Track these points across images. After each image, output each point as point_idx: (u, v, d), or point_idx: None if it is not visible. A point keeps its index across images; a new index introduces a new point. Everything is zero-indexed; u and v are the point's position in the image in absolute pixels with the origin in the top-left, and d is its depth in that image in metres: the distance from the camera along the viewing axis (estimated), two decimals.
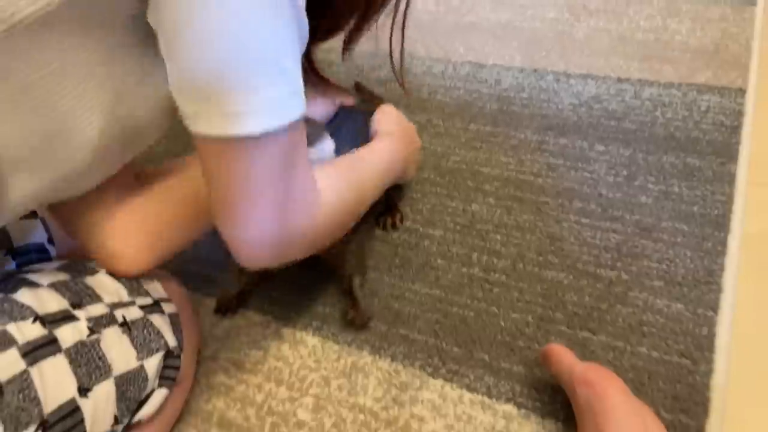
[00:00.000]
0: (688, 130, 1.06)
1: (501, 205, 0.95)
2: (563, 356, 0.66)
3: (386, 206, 0.94)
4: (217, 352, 0.79)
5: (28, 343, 0.51)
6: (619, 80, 1.21)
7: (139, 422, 0.61)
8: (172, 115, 0.54)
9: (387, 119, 0.88)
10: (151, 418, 0.62)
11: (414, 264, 0.88)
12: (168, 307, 0.66)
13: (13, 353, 0.49)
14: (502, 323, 0.78)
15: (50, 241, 0.70)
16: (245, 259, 0.57)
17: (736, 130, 1.04)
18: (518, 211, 0.94)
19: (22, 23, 0.42)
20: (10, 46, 0.42)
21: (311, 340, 0.80)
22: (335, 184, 0.63)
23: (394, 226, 0.94)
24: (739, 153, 1.00)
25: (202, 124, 0.48)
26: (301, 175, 0.55)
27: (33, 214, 0.69)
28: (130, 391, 0.58)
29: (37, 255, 0.68)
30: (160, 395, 0.62)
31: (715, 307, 0.76)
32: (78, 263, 0.62)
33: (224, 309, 0.85)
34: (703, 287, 0.79)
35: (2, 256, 0.65)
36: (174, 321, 0.65)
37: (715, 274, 0.80)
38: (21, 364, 0.49)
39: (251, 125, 0.47)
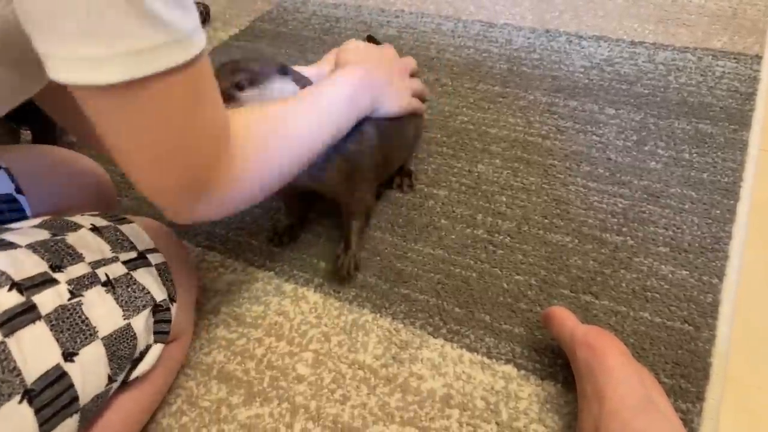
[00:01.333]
0: (701, 96, 1.03)
1: (507, 166, 0.94)
2: (565, 318, 0.66)
3: (399, 168, 0.93)
4: (218, 305, 0.79)
5: (3, 313, 0.49)
6: (633, 43, 1.18)
7: (137, 378, 0.60)
8: None
9: (350, 53, 0.80)
10: (149, 373, 0.62)
11: (417, 224, 0.87)
12: (155, 258, 0.64)
13: None
14: (505, 285, 0.78)
15: (18, 190, 0.67)
16: (169, 214, 0.54)
17: (750, 96, 1.02)
18: (525, 173, 0.93)
19: None
20: None
21: (313, 296, 0.79)
22: (254, 124, 0.58)
23: (411, 187, 0.93)
24: (752, 120, 0.98)
25: (62, 71, 0.43)
26: (208, 117, 0.51)
27: None
28: (121, 350, 0.57)
29: (7, 205, 0.66)
30: (155, 350, 0.61)
31: (720, 275, 0.75)
32: (58, 220, 0.60)
33: (277, 240, 0.86)
34: (709, 254, 0.78)
35: None
36: (162, 271, 0.64)
37: (722, 241, 0.79)
38: None
39: (114, 72, 0.42)
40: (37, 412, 0.49)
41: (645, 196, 0.86)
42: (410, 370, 0.70)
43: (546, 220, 0.85)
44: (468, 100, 1.09)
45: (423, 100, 0.90)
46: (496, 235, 0.84)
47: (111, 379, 0.56)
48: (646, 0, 1.31)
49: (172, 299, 0.64)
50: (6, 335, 0.48)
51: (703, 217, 0.83)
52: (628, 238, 0.81)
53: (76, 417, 0.52)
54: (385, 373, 0.70)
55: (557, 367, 0.69)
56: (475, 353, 0.71)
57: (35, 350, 0.50)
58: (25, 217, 0.66)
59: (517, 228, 0.85)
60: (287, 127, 0.63)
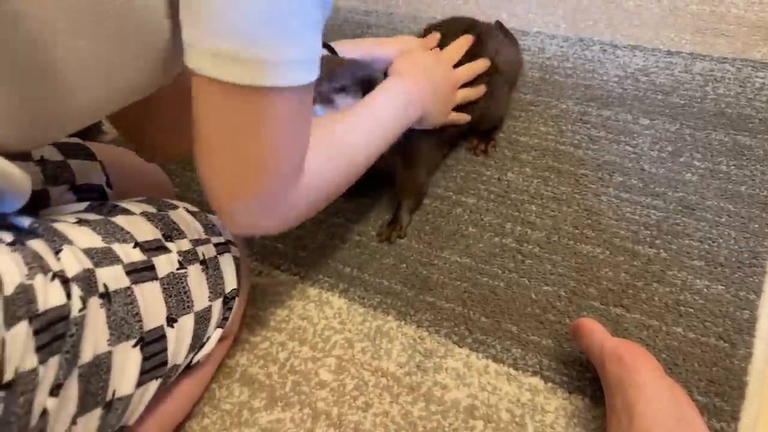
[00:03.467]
0: (740, 107, 1.01)
1: (538, 175, 0.93)
2: (595, 331, 0.64)
3: (483, 134, 0.98)
4: (244, 311, 0.79)
5: (131, 264, 0.52)
6: (669, 53, 1.16)
7: (193, 365, 0.62)
8: None
9: (404, 58, 0.82)
10: (203, 362, 0.64)
11: (444, 231, 0.86)
12: (235, 251, 0.67)
13: (119, 269, 0.51)
14: (533, 295, 0.76)
15: (108, 184, 0.71)
16: (222, 220, 0.55)
17: None
18: (555, 182, 0.91)
19: None
20: None
21: (337, 301, 0.79)
22: (322, 162, 0.58)
23: (485, 152, 0.97)
24: None
25: (207, 62, 0.45)
26: (296, 146, 0.52)
27: (92, 157, 0.70)
28: (200, 329, 0.60)
29: (98, 195, 0.69)
30: (215, 337, 0.63)
31: (758, 291, 0.73)
32: (159, 200, 0.64)
33: (385, 237, 0.86)
34: (746, 269, 0.75)
35: (65, 191, 0.65)
36: (238, 265, 0.66)
37: (760, 256, 0.76)
38: (126, 281, 0.51)
39: (275, 78, 0.45)
40: (144, 360, 0.52)
41: (680, 208, 0.84)
42: (434, 379, 0.69)
43: (576, 231, 0.83)
44: None
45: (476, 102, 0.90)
46: (525, 244, 0.82)
47: (186, 355, 0.59)
48: (683, 10, 1.29)
49: (237, 294, 0.66)
50: (133, 283, 0.52)
51: (741, 230, 0.80)
52: (662, 250, 0.79)
53: (157, 382, 0.55)
54: (408, 382, 0.69)
55: (585, 380, 0.67)
56: (501, 364, 0.69)
57: (151, 305, 0.53)
58: None
59: (547, 238, 0.83)
60: (349, 142, 0.64)
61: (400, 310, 0.77)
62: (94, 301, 0.48)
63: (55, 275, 0.44)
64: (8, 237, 0.45)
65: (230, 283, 0.64)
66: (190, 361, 0.61)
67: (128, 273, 0.52)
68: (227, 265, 0.64)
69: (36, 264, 0.44)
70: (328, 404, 0.68)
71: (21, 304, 0.41)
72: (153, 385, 0.55)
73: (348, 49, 0.85)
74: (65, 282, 0.45)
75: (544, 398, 0.66)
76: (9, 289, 0.41)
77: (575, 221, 0.85)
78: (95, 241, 0.51)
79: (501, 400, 0.66)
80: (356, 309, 0.78)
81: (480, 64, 0.90)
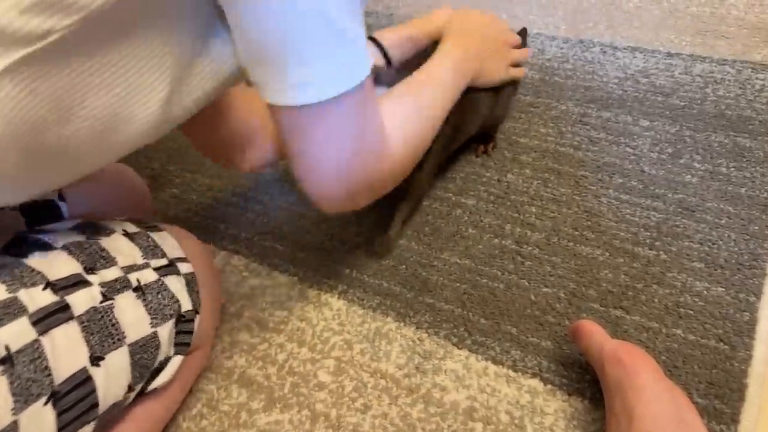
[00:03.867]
0: (740, 109, 1.00)
1: (538, 176, 0.92)
2: (594, 332, 0.64)
3: (483, 136, 0.96)
4: (241, 309, 0.79)
5: (39, 310, 0.48)
6: (669, 55, 1.16)
7: (155, 390, 0.59)
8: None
9: (456, 18, 0.85)
10: (166, 384, 0.61)
11: (444, 233, 0.86)
12: (184, 267, 0.63)
13: (23, 321, 0.47)
14: (533, 297, 0.76)
15: (61, 198, 0.67)
16: (324, 207, 0.60)
17: None
18: (555, 183, 0.91)
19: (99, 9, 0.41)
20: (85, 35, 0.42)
21: (336, 303, 0.79)
22: (401, 120, 0.62)
23: (485, 153, 0.97)
24: None
25: (268, 93, 0.50)
26: (370, 125, 0.56)
27: None
28: (144, 359, 0.56)
29: (48, 212, 0.66)
30: (175, 362, 0.60)
31: (758, 293, 0.73)
32: (93, 224, 0.60)
33: (383, 250, 0.85)
34: (746, 271, 0.75)
35: (14, 214, 0.62)
36: (190, 281, 0.63)
37: (760, 258, 0.76)
38: (32, 333, 0.47)
39: (311, 95, 0.49)
40: (58, 415, 0.48)
41: (679, 210, 0.84)
42: (433, 381, 0.69)
43: (576, 232, 0.83)
44: None
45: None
46: (525, 246, 0.82)
47: (130, 388, 0.55)
48: (683, 11, 1.29)
49: (196, 311, 0.63)
50: (41, 333, 0.48)
51: (741, 232, 0.80)
52: (662, 252, 0.79)
53: (92, 425, 0.51)
54: (407, 383, 0.69)
55: (585, 382, 0.66)
56: (501, 366, 0.69)
57: (66, 351, 0.49)
58: (61, 219, 0.66)
59: (547, 239, 0.83)
60: (421, 102, 0.67)
61: (399, 311, 0.76)
62: None
63: None
64: None
65: (183, 303, 0.61)
66: (144, 389, 0.58)
67: (35, 323, 0.48)
68: (176, 286, 0.61)
69: None
70: (326, 406, 0.67)
71: None
72: (87, 429, 0.51)
73: (389, 37, 0.86)
74: None
75: (544, 400, 0.66)
76: None
77: (575, 223, 0.85)
78: None
79: (500, 401, 0.66)
80: (355, 310, 0.77)
81: (527, 53, 0.94)
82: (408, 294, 0.78)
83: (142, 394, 0.58)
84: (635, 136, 0.97)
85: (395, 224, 0.84)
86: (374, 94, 0.56)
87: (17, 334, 0.46)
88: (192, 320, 0.62)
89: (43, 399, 0.47)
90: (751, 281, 0.74)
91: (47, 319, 0.49)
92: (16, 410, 0.45)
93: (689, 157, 0.92)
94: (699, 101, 1.03)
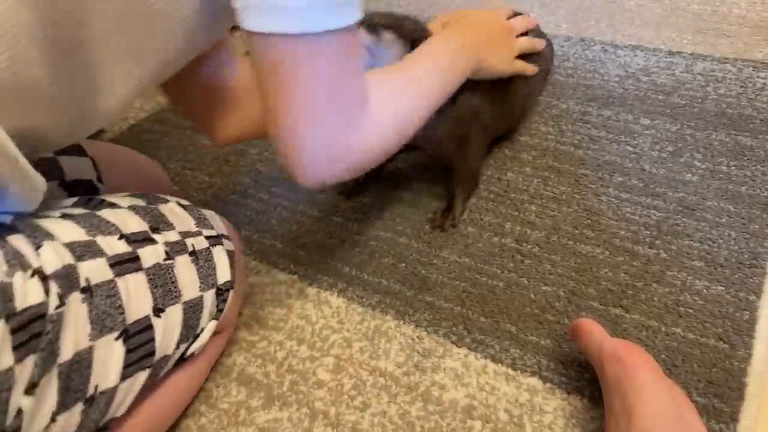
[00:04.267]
0: (741, 108, 1.00)
1: (538, 175, 0.92)
2: (593, 331, 0.64)
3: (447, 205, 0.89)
4: (240, 308, 0.79)
5: (115, 256, 0.52)
6: (670, 53, 1.16)
7: (187, 357, 0.62)
8: None
9: (452, 14, 0.85)
10: (198, 355, 0.64)
11: (443, 231, 0.86)
12: (228, 243, 0.66)
13: (102, 262, 0.51)
14: (532, 295, 0.76)
15: (99, 179, 0.71)
16: (295, 174, 0.55)
17: None
18: (555, 182, 0.91)
19: None
20: None
21: (336, 300, 0.79)
22: (391, 91, 0.60)
23: (441, 228, 0.86)
24: None
25: (250, 18, 0.47)
26: (355, 82, 0.53)
27: (83, 153, 0.70)
28: (192, 320, 0.60)
29: (88, 192, 0.68)
30: (210, 327, 0.63)
31: (758, 292, 0.72)
32: (147, 195, 0.64)
33: (347, 192, 0.89)
34: (746, 270, 0.75)
35: (55, 187, 0.66)
36: (231, 257, 0.66)
37: (761, 257, 0.76)
38: (109, 273, 0.51)
39: (294, 23, 0.46)
40: (126, 352, 0.52)
41: (680, 208, 0.84)
42: (432, 379, 0.69)
43: (576, 231, 0.83)
44: None
45: (538, 54, 0.90)
46: (525, 244, 0.82)
47: (177, 346, 0.58)
48: (684, 10, 1.28)
49: (232, 286, 0.65)
50: (116, 275, 0.51)
51: (741, 231, 0.80)
52: (662, 251, 0.79)
53: (147, 372, 0.55)
54: (406, 382, 0.69)
55: (584, 381, 0.66)
56: (500, 364, 0.69)
57: (135, 296, 0.53)
58: None
59: (546, 238, 0.83)
60: (413, 81, 0.64)
61: (398, 309, 0.76)
62: (75, 297, 0.47)
63: (34, 272, 0.44)
64: None
65: (223, 275, 0.64)
66: (184, 353, 0.60)
67: (112, 265, 0.51)
68: (220, 258, 0.64)
69: (15, 261, 0.43)
70: (325, 404, 0.67)
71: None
72: (142, 376, 0.54)
73: None
74: (44, 279, 0.45)
75: (543, 398, 0.65)
76: None
77: (575, 221, 0.84)
78: (78, 234, 0.51)
79: (499, 400, 0.66)
80: (355, 308, 0.77)
81: (541, 43, 0.92)
82: (407, 292, 0.78)
83: (177, 363, 0.61)
84: (636, 135, 0.97)
85: (457, 207, 0.87)
86: (360, 57, 0.54)
87: (96, 270, 0.50)
88: (227, 292, 0.65)
89: (116, 333, 0.51)
90: (751, 280, 0.74)
91: (121, 265, 0.52)
92: (93, 337, 0.49)
93: (690, 155, 0.92)
94: (700, 100, 1.03)
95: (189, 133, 1.13)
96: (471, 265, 0.81)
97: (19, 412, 0.43)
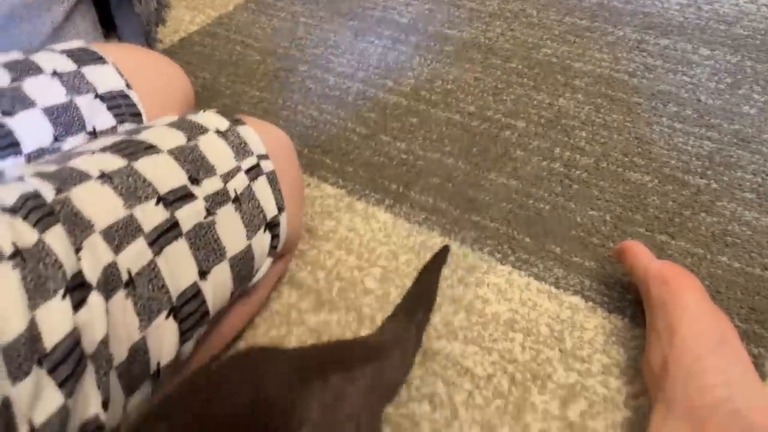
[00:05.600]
0: None
1: (590, 102, 0.91)
2: (640, 252, 0.64)
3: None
4: (302, 212, 0.80)
5: (153, 230, 0.50)
6: None
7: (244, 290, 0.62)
8: None
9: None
10: (257, 285, 0.63)
11: (492, 154, 0.86)
12: (267, 165, 0.62)
13: (140, 242, 0.49)
14: (578, 219, 0.77)
15: (128, 86, 0.67)
16: None
17: None
18: (607, 109, 0.90)
19: None
20: None
21: (383, 216, 0.80)
22: None
23: None
24: None
25: None
26: None
27: (102, 60, 0.67)
28: (242, 272, 0.58)
29: (123, 101, 0.66)
30: (267, 263, 0.62)
31: None
32: (187, 119, 0.60)
33: None
34: None
35: (92, 100, 0.63)
36: (272, 180, 0.62)
37: None
38: (149, 254, 0.49)
39: None
40: (179, 324, 0.51)
41: (735, 140, 0.83)
42: (476, 292, 0.71)
43: (626, 159, 0.83)
44: (553, 32, 1.05)
45: None
46: (573, 169, 0.82)
47: (232, 295, 0.58)
48: None
49: (281, 209, 0.63)
50: (156, 254, 0.50)
51: None
52: (713, 181, 0.78)
53: (204, 327, 0.55)
54: (450, 294, 0.71)
55: (626, 302, 0.68)
56: (543, 282, 0.71)
57: (178, 267, 0.51)
58: (138, 113, 0.66)
59: (596, 164, 0.83)
60: None
61: (444, 227, 0.78)
62: (119, 296, 0.46)
63: (66, 291, 0.43)
64: (8, 246, 0.42)
65: (270, 209, 0.61)
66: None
67: (151, 243, 0.49)
68: (263, 191, 0.60)
69: (41, 285, 0.41)
70: (372, 310, 0.70)
71: (26, 353, 0.39)
72: (200, 331, 0.54)
73: None
74: (82, 287, 0.44)
75: (584, 316, 0.67)
76: (7, 337, 0.38)
77: (625, 149, 0.84)
78: (116, 209, 0.49)
79: (541, 315, 0.68)
80: (401, 224, 0.79)
81: None
82: (454, 211, 0.80)
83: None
84: (694, 65, 0.95)
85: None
86: None
87: (135, 256, 0.48)
88: (278, 224, 0.62)
89: (164, 313, 0.50)
90: None
91: (160, 238, 0.50)
92: (142, 327, 0.48)
93: (749, 87, 0.90)
94: (763, 32, 1.00)
95: (239, 48, 1.13)
96: (518, 187, 0.81)
97: (97, 421, 0.44)
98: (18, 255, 0.42)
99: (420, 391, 0.63)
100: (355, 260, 0.76)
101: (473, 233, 0.77)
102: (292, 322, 0.70)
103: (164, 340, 0.50)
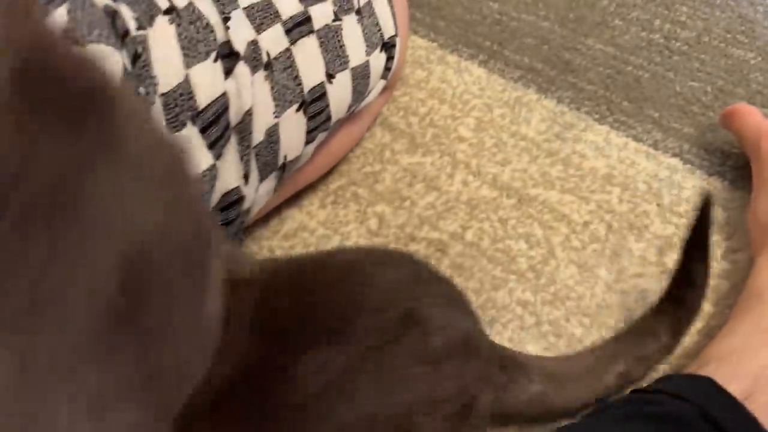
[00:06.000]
0: None
1: None
2: (751, 113, 0.64)
3: None
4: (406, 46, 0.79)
5: (289, 19, 0.50)
6: None
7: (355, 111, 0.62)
8: None
9: None
10: (364, 110, 0.64)
11: (589, 20, 0.84)
12: None
13: (278, 28, 0.49)
14: (678, 88, 0.75)
15: None
16: None
17: None
18: None
19: None
20: None
21: (476, 70, 0.79)
22: None
23: None
24: None
25: None
26: None
27: None
28: (360, 86, 0.58)
29: None
30: (379, 86, 0.62)
31: None
32: None
33: None
34: None
35: None
36: (390, 2, 0.62)
37: None
38: (285, 41, 0.50)
39: None
40: (308, 120, 0.52)
41: None
42: (573, 148, 0.70)
43: (728, 35, 0.80)
44: None
45: None
46: (673, 41, 0.80)
47: (349, 108, 0.58)
48: None
49: (396, 34, 0.63)
50: (292, 43, 0.50)
51: None
52: None
53: (325, 134, 0.56)
54: (547, 147, 0.71)
55: (726, 166, 0.68)
56: (641, 143, 0.70)
57: (309, 63, 0.52)
58: None
59: (697, 38, 0.80)
60: None
61: (540, 85, 0.77)
62: (259, 77, 0.47)
63: (217, 56, 0.44)
64: (163, 1, 0.42)
65: (388, 28, 0.61)
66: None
67: (287, 31, 0.50)
68: (382, 9, 0.61)
69: (193, 46, 0.42)
70: (467, 156, 0.70)
71: (182, 105, 0.41)
72: (321, 136, 0.56)
73: None
74: (230, 56, 0.44)
75: (682, 177, 0.67)
76: (166, 87, 0.41)
77: (728, 26, 0.81)
78: None
79: (639, 173, 0.68)
80: (496, 79, 0.78)
81: None
82: (550, 71, 0.78)
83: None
84: None
85: None
86: None
87: (274, 40, 0.49)
88: (394, 46, 0.62)
89: (296, 105, 0.51)
90: None
91: (296, 29, 0.50)
92: (277, 114, 0.49)
93: None
94: None
95: None
96: (616, 54, 0.79)
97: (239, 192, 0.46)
98: (173, 11, 0.42)
99: (516, 230, 0.64)
100: (448, 109, 0.75)
101: (570, 93, 0.76)
102: (386, 161, 0.70)
103: (293, 133, 0.52)
